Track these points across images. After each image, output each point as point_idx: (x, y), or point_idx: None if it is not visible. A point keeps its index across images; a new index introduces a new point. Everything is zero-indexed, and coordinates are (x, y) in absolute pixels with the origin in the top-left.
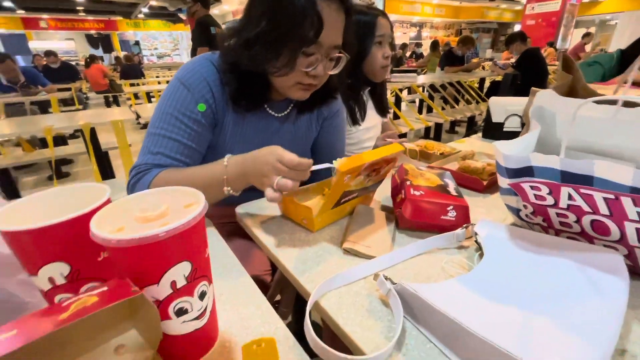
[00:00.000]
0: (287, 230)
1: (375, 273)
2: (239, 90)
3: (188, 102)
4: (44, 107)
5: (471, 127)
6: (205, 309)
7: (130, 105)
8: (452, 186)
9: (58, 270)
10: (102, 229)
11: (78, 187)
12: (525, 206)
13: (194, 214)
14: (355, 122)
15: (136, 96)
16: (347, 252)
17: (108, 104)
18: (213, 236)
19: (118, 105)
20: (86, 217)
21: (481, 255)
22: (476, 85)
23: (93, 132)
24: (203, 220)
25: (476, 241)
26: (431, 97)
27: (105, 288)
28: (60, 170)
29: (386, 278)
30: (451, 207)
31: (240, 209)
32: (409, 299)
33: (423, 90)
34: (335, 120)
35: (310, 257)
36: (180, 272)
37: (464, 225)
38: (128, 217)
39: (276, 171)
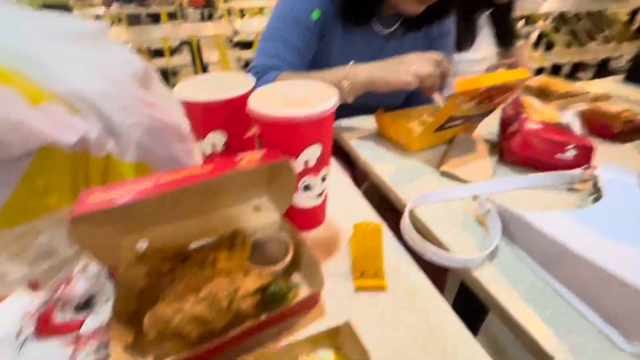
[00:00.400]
0: (384, 146)
1: (475, 195)
2: (350, 1)
3: (304, 9)
4: (154, 19)
5: (602, 72)
6: (324, 191)
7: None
8: (576, 125)
9: (218, 139)
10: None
11: (228, 74)
12: None
13: (331, 103)
14: (460, 48)
15: (229, 12)
16: (444, 175)
17: (203, 19)
18: None
19: (211, 20)
20: (243, 98)
21: (596, 200)
22: (626, 18)
23: (198, 44)
24: (333, 114)
25: (594, 185)
26: (556, 31)
27: (262, 152)
28: (168, 82)
29: (488, 199)
30: (572, 145)
31: (338, 123)
32: (509, 221)
33: (546, 21)
34: (444, 41)
35: (405, 173)
36: (312, 153)
37: (584, 167)
38: (274, 101)
39: (418, 59)
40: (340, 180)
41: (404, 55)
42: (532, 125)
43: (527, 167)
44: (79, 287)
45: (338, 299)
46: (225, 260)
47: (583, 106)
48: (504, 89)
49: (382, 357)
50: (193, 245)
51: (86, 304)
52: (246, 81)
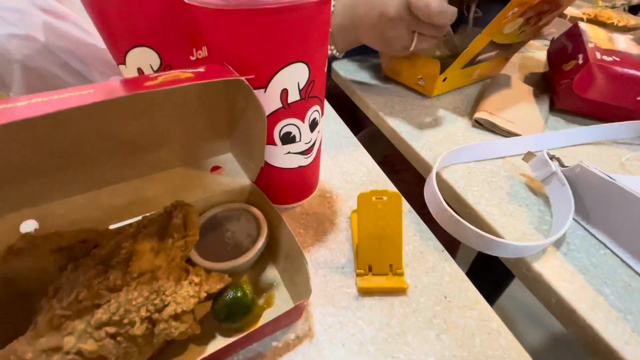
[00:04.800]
0: (396, 93)
1: (529, 152)
2: None
3: None
4: None
5: None
6: (313, 145)
7: None
8: None
9: (147, 60)
10: None
11: None
12: None
13: None
14: None
15: None
16: (478, 125)
17: None
18: None
19: None
20: None
21: None
22: None
23: None
24: (328, 16)
25: None
26: None
27: (201, 69)
28: None
29: (552, 158)
30: None
31: (338, 67)
32: (585, 189)
33: None
34: None
35: (426, 124)
36: (294, 78)
37: None
38: None
39: (403, 24)
40: (339, 132)
41: (390, 6)
42: (605, 56)
43: (587, 117)
44: None
45: (334, 310)
46: (147, 254)
47: None
48: (556, 2)
49: None
50: (115, 226)
51: None
52: None
